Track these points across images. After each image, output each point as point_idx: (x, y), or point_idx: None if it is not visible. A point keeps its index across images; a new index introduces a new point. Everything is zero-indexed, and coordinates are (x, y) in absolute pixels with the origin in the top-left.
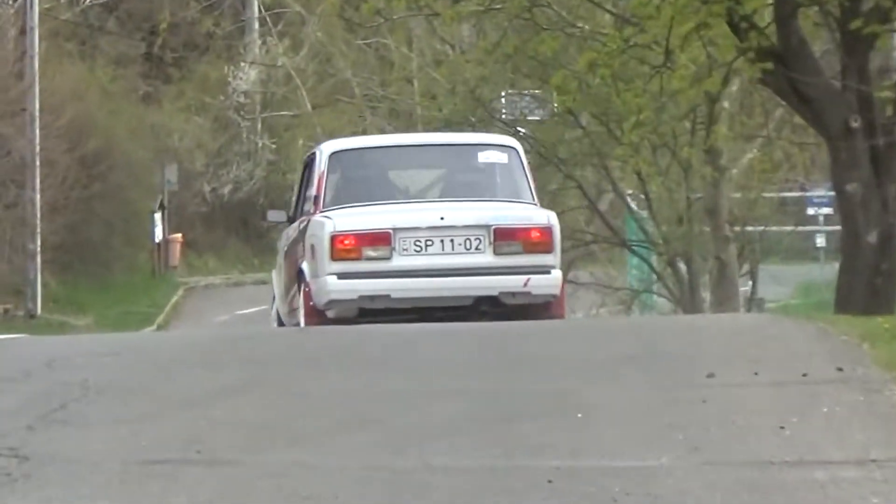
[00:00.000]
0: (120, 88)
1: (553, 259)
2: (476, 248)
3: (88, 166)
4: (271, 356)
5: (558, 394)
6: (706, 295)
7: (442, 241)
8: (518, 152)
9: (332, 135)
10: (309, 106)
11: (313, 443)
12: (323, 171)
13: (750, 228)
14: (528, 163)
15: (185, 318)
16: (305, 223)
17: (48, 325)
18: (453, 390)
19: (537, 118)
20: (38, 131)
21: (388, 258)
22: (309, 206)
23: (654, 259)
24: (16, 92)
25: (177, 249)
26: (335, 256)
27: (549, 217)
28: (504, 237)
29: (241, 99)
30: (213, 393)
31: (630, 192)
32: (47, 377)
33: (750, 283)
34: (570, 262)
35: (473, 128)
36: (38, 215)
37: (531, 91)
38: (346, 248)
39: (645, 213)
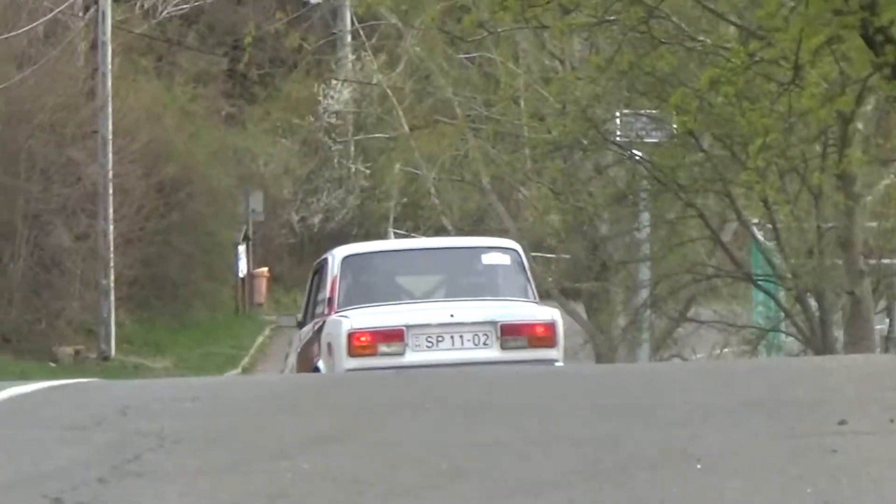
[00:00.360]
0: (200, 108)
1: (556, 353)
2: (484, 344)
3: (166, 194)
4: (363, 402)
5: (677, 442)
6: (839, 334)
7: (452, 336)
8: (519, 253)
9: (430, 159)
10: (406, 127)
11: (409, 497)
12: (336, 275)
13: (887, 261)
14: (529, 264)
15: (271, 361)
16: (321, 323)
17: (123, 368)
18: (562, 438)
19: (655, 140)
20: (110, 156)
21: (402, 354)
22: (322, 308)
23: (781, 295)
24: (87, 112)
25: (262, 285)
26: (352, 353)
27: (552, 314)
28: (511, 333)
29: (333, 120)
30: (301, 442)
31: (756, 221)
32: (121, 425)
33: (887, 320)
34: (691, 298)
35: (585, 151)
36: (112, 248)
37: (648, 111)
38: (363, 344)
39: (772, 245)
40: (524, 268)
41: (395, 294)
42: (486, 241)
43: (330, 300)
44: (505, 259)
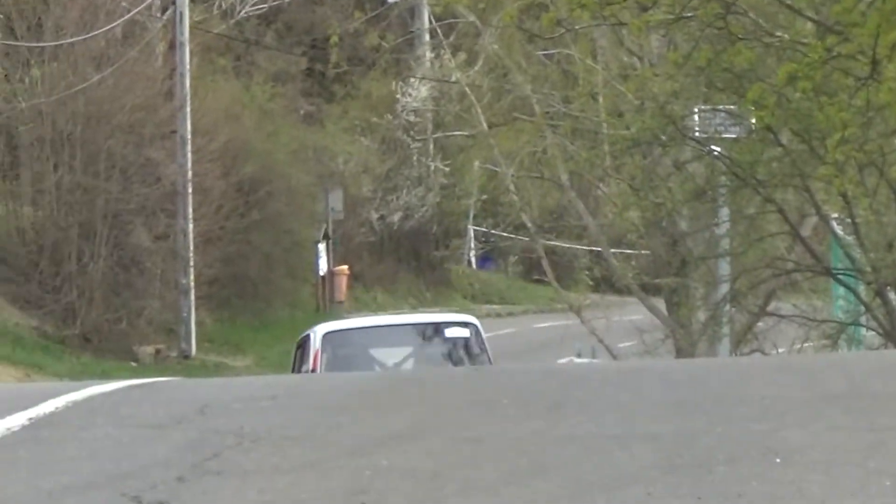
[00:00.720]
0: (278, 108)
1: None
2: None
3: (245, 193)
4: (442, 399)
5: (756, 437)
6: None
7: None
8: (477, 327)
9: (509, 156)
10: (485, 125)
11: (488, 493)
12: (318, 349)
13: None
14: (486, 339)
15: None
16: None
17: (203, 367)
18: (641, 434)
19: (733, 136)
20: (189, 155)
21: None
22: None
23: (861, 289)
24: (165, 113)
25: (343, 283)
26: None
27: None
28: None
29: (411, 118)
30: (380, 439)
31: (835, 215)
32: (200, 424)
33: None
34: (771, 292)
35: (664, 147)
36: (191, 247)
37: (726, 106)
38: None
39: (851, 239)
40: (482, 339)
41: (369, 365)
42: (449, 317)
43: (312, 371)
44: (465, 332)
